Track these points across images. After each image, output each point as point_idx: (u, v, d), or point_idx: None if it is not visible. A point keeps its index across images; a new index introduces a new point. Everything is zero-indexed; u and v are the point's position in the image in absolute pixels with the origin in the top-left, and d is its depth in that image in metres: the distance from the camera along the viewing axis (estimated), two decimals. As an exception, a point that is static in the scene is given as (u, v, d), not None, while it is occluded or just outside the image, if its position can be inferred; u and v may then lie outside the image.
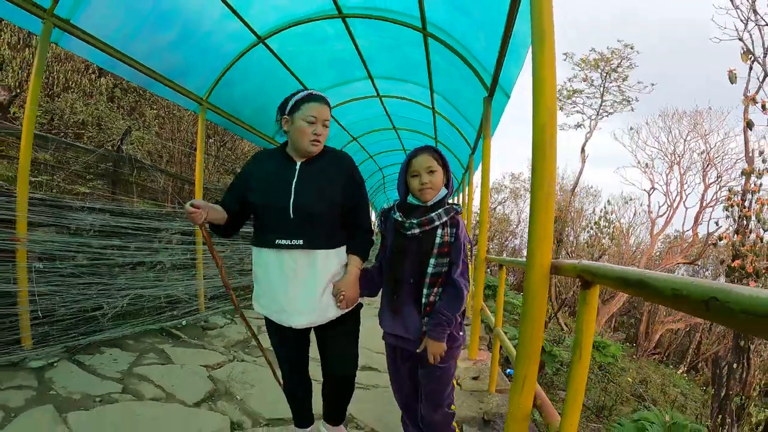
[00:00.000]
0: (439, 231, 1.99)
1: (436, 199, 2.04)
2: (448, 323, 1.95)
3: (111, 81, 9.40)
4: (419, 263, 2.00)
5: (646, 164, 19.11)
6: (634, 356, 14.90)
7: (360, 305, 2.23)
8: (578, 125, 16.34)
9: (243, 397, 3.10)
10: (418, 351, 2.01)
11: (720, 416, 5.36)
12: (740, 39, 6.03)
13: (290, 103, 2.01)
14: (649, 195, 19.57)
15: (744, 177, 5.95)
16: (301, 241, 1.97)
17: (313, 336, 2.20)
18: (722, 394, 5.48)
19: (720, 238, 6.47)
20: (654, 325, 18.15)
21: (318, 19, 4.61)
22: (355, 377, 2.26)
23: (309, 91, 2.04)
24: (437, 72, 5.24)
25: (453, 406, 2.21)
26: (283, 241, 1.98)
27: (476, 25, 3.80)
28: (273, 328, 2.15)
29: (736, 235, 5.58)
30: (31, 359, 3.06)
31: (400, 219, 2.03)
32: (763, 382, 6.57)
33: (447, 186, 2.07)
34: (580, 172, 17.01)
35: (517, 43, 3.33)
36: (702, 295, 0.70)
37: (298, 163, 2.07)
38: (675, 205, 18.44)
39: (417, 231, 1.99)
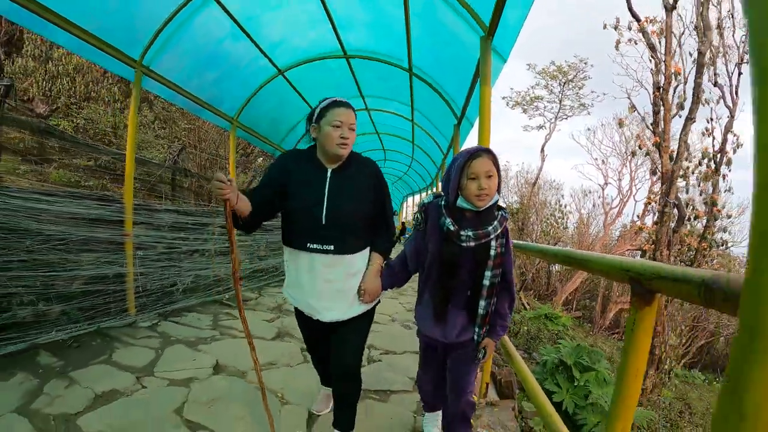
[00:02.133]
0: (493, 243, 1.97)
1: (488, 205, 1.96)
2: (507, 324, 2.10)
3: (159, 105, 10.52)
4: (473, 274, 1.99)
5: (602, 161, 21.02)
6: (591, 333, 16.64)
7: (379, 301, 2.33)
8: (540, 127, 17.99)
9: (299, 337, 4.25)
10: (479, 357, 2.07)
11: (648, 373, 6.88)
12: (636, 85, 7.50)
13: (317, 112, 2.09)
14: (603, 189, 21.49)
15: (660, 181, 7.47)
16: (332, 247, 2.06)
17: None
18: (657, 359, 7.00)
19: (640, 228, 8.00)
20: (609, 305, 20.02)
21: (327, 58, 5.85)
22: (360, 371, 2.31)
23: (334, 98, 2.11)
24: (418, 98, 6.56)
25: (474, 396, 2.28)
26: (315, 245, 2.06)
27: (451, 73, 5.12)
28: (301, 317, 2.33)
29: (653, 226, 7.10)
30: (139, 322, 4.28)
31: (453, 228, 1.96)
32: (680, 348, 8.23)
33: (498, 191, 1.99)
34: (540, 169, 18.73)
35: (478, 93, 4.67)
36: (621, 267, 1.18)
37: (329, 170, 2.13)
38: (625, 198, 20.38)
39: (473, 244, 1.95)
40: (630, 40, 7.26)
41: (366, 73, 6.22)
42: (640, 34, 6.38)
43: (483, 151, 1.92)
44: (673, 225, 6.21)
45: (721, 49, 6.86)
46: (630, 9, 6.42)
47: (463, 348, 2.09)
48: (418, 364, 2.43)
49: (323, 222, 2.04)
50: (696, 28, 5.81)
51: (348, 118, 2.06)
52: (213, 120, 6.35)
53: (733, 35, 7.02)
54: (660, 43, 6.08)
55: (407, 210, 26.18)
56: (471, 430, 2.29)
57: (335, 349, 2.25)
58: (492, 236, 1.93)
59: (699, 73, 5.53)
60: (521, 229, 17.61)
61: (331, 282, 2.10)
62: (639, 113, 8.05)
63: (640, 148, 7.21)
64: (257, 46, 5.21)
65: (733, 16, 6.96)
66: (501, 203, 2.03)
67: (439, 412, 2.54)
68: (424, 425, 2.63)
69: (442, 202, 2.05)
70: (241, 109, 6.22)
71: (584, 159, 51.91)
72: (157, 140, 9.45)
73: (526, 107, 17.38)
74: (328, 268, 2.08)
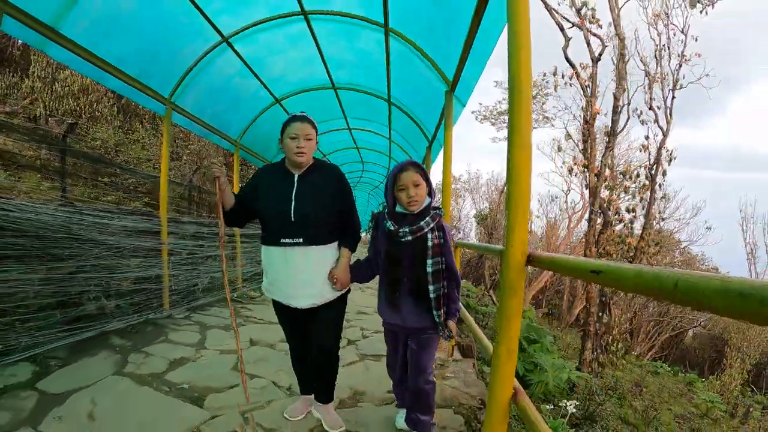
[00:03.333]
0: (429, 235, 2.30)
1: (420, 208, 2.34)
2: (458, 305, 2.42)
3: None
4: (416, 265, 2.31)
5: (569, 169, 22.49)
6: (557, 328, 17.89)
7: (349, 290, 2.65)
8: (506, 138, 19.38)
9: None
10: (442, 336, 2.37)
11: (585, 344, 8.01)
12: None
13: (281, 128, 2.49)
14: (566, 195, 22.97)
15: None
16: (301, 239, 2.38)
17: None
18: (591, 332, 8.14)
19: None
20: (574, 301, 21.38)
21: (318, 89, 6.85)
22: (338, 351, 2.68)
23: (293, 114, 2.48)
24: (395, 121, 7.62)
25: (434, 377, 2.54)
26: (287, 240, 2.39)
27: (422, 104, 6.19)
28: (280, 308, 2.60)
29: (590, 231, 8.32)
30: (174, 315, 5.21)
31: (393, 228, 2.33)
32: (622, 326, 9.48)
33: (430, 195, 2.38)
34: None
35: (443, 124, 5.75)
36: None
37: (296, 175, 2.48)
38: (586, 204, 21.88)
39: (410, 238, 2.30)
40: (566, 84, 8.52)
41: (350, 100, 7.24)
42: (575, 78, 7.63)
43: (410, 165, 2.34)
44: (599, 229, 7.43)
45: (658, 77, 8.12)
46: (566, 58, 7.73)
47: (423, 332, 2.42)
48: (386, 352, 2.75)
49: (292, 219, 2.38)
50: (617, 75, 7.07)
51: (302, 130, 2.41)
52: (219, 142, 7.29)
53: (669, 63, 8.30)
54: (587, 87, 7.33)
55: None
56: (432, 409, 2.54)
57: (314, 331, 2.57)
58: (426, 230, 2.30)
59: (615, 112, 6.81)
60: (491, 234, 18.80)
61: (303, 271, 2.40)
62: (573, 140, 9.41)
63: (574, 166, 8.50)
64: (260, 81, 6.18)
65: (668, 47, 8.23)
66: (435, 204, 2.43)
67: None
68: (397, 421, 2.81)
69: (386, 210, 2.47)
70: (243, 133, 7.18)
71: (550, 167, 53.94)
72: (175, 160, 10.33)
73: (494, 121, 18.70)
74: (300, 259, 2.39)
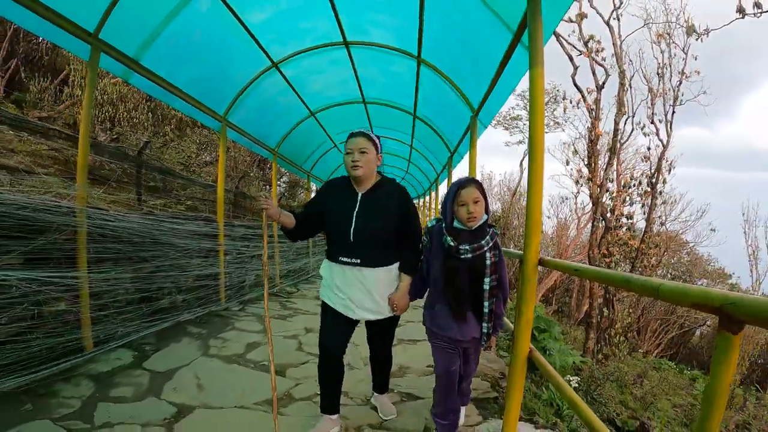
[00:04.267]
0: (488, 254, 2.36)
1: (478, 224, 2.38)
2: (502, 321, 2.52)
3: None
4: (475, 280, 2.37)
5: (576, 180, 23.11)
6: (566, 324, 18.52)
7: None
8: (520, 142, 20.02)
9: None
10: (483, 348, 2.55)
11: (588, 334, 8.68)
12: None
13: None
14: (576, 196, 23.53)
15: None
16: (358, 260, 2.45)
17: (361, 325, 2.75)
18: (594, 324, 8.80)
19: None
20: (582, 299, 21.98)
21: (351, 103, 7.52)
22: (391, 353, 2.96)
23: (350, 132, 2.55)
24: (418, 132, 8.30)
25: None
26: (345, 259, 2.47)
27: (447, 121, 6.84)
28: (331, 312, 2.62)
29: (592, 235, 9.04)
30: (230, 308, 5.93)
31: (453, 244, 2.36)
32: (625, 321, 10.15)
33: (486, 212, 2.40)
34: (519, 180, 20.74)
35: (467, 143, 6.38)
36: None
37: (360, 194, 2.51)
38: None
39: (470, 255, 2.34)
40: (573, 106, 9.22)
41: (377, 112, 7.91)
42: (582, 101, 8.32)
43: (471, 181, 2.39)
44: (601, 233, 8.13)
45: (660, 92, 8.75)
46: (575, 84, 8.45)
47: (472, 343, 2.53)
48: (437, 373, 2.59)
49: (351, 239, 2.44)
50: (618, 102, 7.76)
51: (357, 144, 2.45)
52: (258, 151, 8.00)
53: (670, 80, 8.92)
54: (592, 110, 8.01)
55: None
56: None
57: (373, 339, 2.82)
58: (485, 248, 2.34)
59: (615, 134, 7.50)
60: (503, 234, 19.47)
61: (360, 290, 2.49)
62: (579, 155, 10.21)
63: (579, 178, 9.21)
64: (300, 97, 6.87)
65: (670, 65, 8.86)
66: (490, 222, 2.46)
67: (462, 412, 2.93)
68: None
69: (443, 225, 2.45)
70: (280, 143, 7.89)
71: (561, 169, 54.35)
72: (207, 166, 11.08)
73: (507, 126, 19.40)
74: (358, 279, 2.48)
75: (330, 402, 2.77)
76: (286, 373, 3.81)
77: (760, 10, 7.36)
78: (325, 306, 2.68)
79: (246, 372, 3.79)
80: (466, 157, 6.03)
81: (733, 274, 22.06)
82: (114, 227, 4.31)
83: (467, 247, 2.34)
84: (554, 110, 17.29)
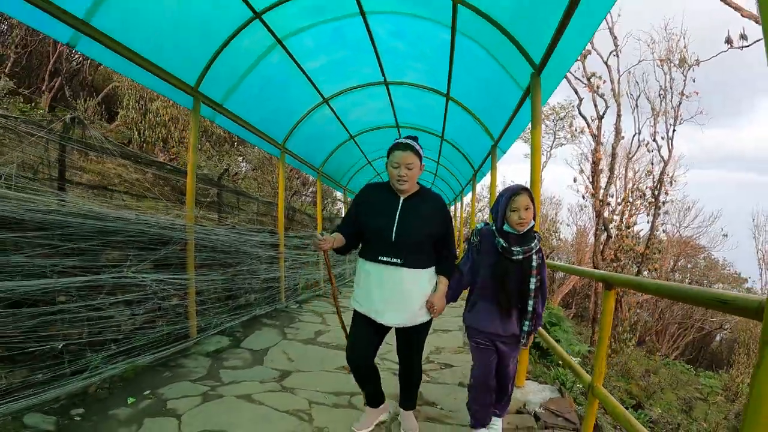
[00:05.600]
0: (534, 256, 2.57)
1: (526, 229, 2.58)
2: (541, 321, 2.73)
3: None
4: (521, 280, 2.56)
5: (583, 195, 23.95)
6: (584, 327, 19.24)
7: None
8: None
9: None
10: (523, 345, 2.70)
11: (594, 328, 9.54)
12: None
13: (387, 153, 2.59)
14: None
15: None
16: (399, 260, 2.51)
17: (391, 333, 2.73)
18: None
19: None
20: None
21: (386, 128, 8.60)
22: (421, 364, 2.85)
23: (396, 141, 2.56)
24: (444, 151, 9.33)
25: None
26: (385, 258, 2.52)
27: (471, 144, 7.86)
28: (361, 320, 2.67)
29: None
30: (289, 306, 7.04)
31: (506, 246, 2.55)
32: (631, 318, 10.99)
33: (534, 218, 2.59)
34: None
35: (489, 162, 7.39)
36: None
37: (401, 199, 2.59)
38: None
39: (521, 257, 2.53)
40: (581, 133, 10.24)
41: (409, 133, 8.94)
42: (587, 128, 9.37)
43: (523, 189, 2.56)
44: (603, 241, 9.12)
45: (662, 112, 9.70)
46: (579, 113, 9.52)
47: (512, 338, 2.68)
48: (474, 374, 2.81)
49: (393, 239, 2.50)
50: (615, 129, 8.81)
51: (404, 159, 2.47)
52: (304, 170, 9.15)
53: (671, 100, 9.85)
54: (594, 136, 9.04)
55: None
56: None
57: (402, 348, 2.73)
58: (533, 251, 2.56)
59: (613, 157, 8.55)
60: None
61: (397, 291, 2.53)
62: (585, 174, 11.32)
63: (585, 194, 10.26)
64: (343, 125, 7.98)
65: (671, 88, 9.80)
66: (535, 228, 2.66)
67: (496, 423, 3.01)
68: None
69: (493, 227, 2.62)
70: (324, 162, 9.02)
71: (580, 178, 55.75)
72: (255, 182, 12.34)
73: (526, 139, 20.39)
74: (396, 279, 2.52)
75: (371, 398, 2.95)
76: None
77: (746, 43, 8.21)
78: (355, 316, 2.74)
79: (320, 350, 4.91)
80: (488, 175, 7.04)
81: (749, 278, 22.56)
82: (211, 239, 5.46)
83: (519, 249, 2.54)
84: (571, 124, 18.22)
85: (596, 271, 3.23)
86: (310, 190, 17.30)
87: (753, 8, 7.89)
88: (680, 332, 20.81)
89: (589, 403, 2.65)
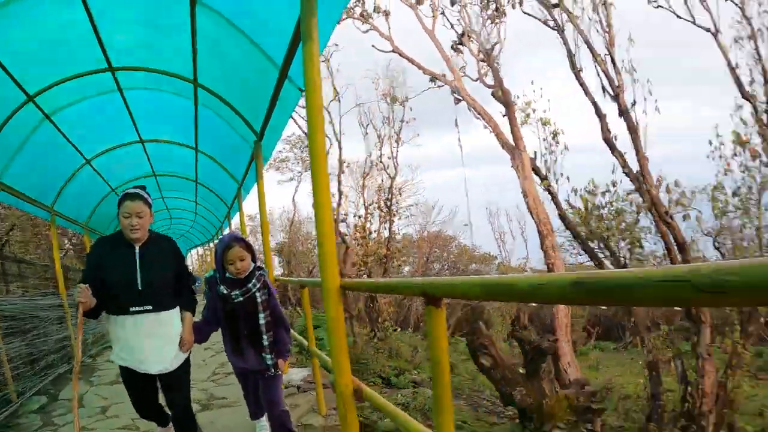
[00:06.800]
0: (257, 294, 2.75)
1: (247, 273, 2.77)
2: (288, 346, 3.03)
3: None
4: (250, 320, 2.78)
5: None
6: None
7: (190, 351, 2.89)
8: (291, 179, 23.11)
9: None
10: (269, 373, 2.86)
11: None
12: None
13: (117, 204, 2.63)
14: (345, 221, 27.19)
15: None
16: (150, 307, 2.61)
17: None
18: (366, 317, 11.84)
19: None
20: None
21: (144, 177, 8.78)
22: (191, 408, 2.98)
23: (125, 192, 2.66)
24: (201, 165, 8.46)
25: (286, 405, 3.13)
26: (136, 308, 2.59)
27: (231, 152, 6.78)
28: (130, 375, 2.76)
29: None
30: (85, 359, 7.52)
31: (226, 292, 2.74)
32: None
33: (253, 260, 2.81)
34: (294, 212, 24.62)
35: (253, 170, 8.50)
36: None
37: (137, 248, 2.67)
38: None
39: (242, 299, 2.74)
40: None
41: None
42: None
43: (234, 241, 2.76)
44: (343, 250, 11.70)
45: (387, 137, 12.77)
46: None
47: (262, 372, 2.91)
48: (241, 387, 3.32)
49: (140, 288, 2.59)
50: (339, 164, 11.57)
51: (134, 209, 2.56)
52: (35, 212, 8.45)
53: (392, 127, 12.85)
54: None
55: (192, 260, 29.85)
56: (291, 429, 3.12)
57: (169, 391, 2.83)
58: (253, 290, 2.77)
59: (339, 185, 11.43)
60: (288, 263, 21.87)
61: (154, 336, 2.65)
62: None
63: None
64: (105, 181, 8.18)
65: (393, 114, 12.85)
66: (259, 264, 2.90)
67: (264, 417, 3.34)
68: (258, 430, 3.43)
69: (217, 276, 2.84)
70: (55, 199, 7.50)
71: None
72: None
73: (279, 166, 22.16)
74: (150, 325, 2.64)
75: (160, 420, 3.09)
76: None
77: (440, 83, 11.18)
78: (122, 371, 2.81)
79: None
80: (254, 188, 6.89)
81: (499, 255, 28.19)
82: (9, 309, 5.92)
83: (238, 292, 2.76)
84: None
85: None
86: (73, 240, 16.96)
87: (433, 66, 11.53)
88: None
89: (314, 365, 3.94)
